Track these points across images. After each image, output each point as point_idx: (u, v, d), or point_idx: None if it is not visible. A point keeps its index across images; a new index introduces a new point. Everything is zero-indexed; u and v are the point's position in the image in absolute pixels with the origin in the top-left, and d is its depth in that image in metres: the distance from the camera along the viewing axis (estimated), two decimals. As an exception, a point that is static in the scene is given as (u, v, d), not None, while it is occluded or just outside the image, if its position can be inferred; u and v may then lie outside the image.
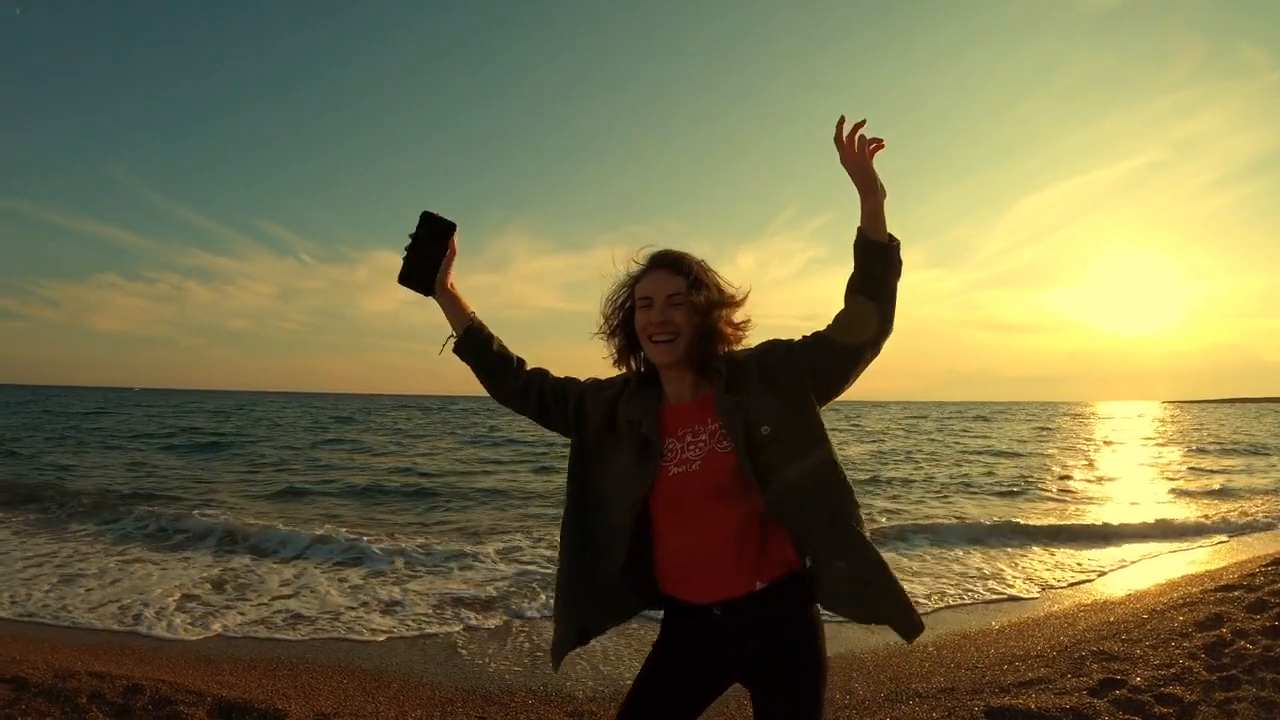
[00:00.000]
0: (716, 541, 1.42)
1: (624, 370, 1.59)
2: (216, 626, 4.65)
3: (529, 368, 1.65)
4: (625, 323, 1.53)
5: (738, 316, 1.52)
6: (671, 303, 1.44)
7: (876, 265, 1.40)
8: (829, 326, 1.46)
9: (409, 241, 1.56)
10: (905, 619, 1.41)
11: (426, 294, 1.58)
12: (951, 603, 5.31)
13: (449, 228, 1.56)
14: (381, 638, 4.50)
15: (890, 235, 1.41)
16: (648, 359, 1.52)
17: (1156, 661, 3.53)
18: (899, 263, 1.41)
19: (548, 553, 6.73)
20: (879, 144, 1.39)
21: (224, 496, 10.72)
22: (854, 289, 1.42)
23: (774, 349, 1.49)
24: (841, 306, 1.45)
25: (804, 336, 1.49)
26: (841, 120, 1.38)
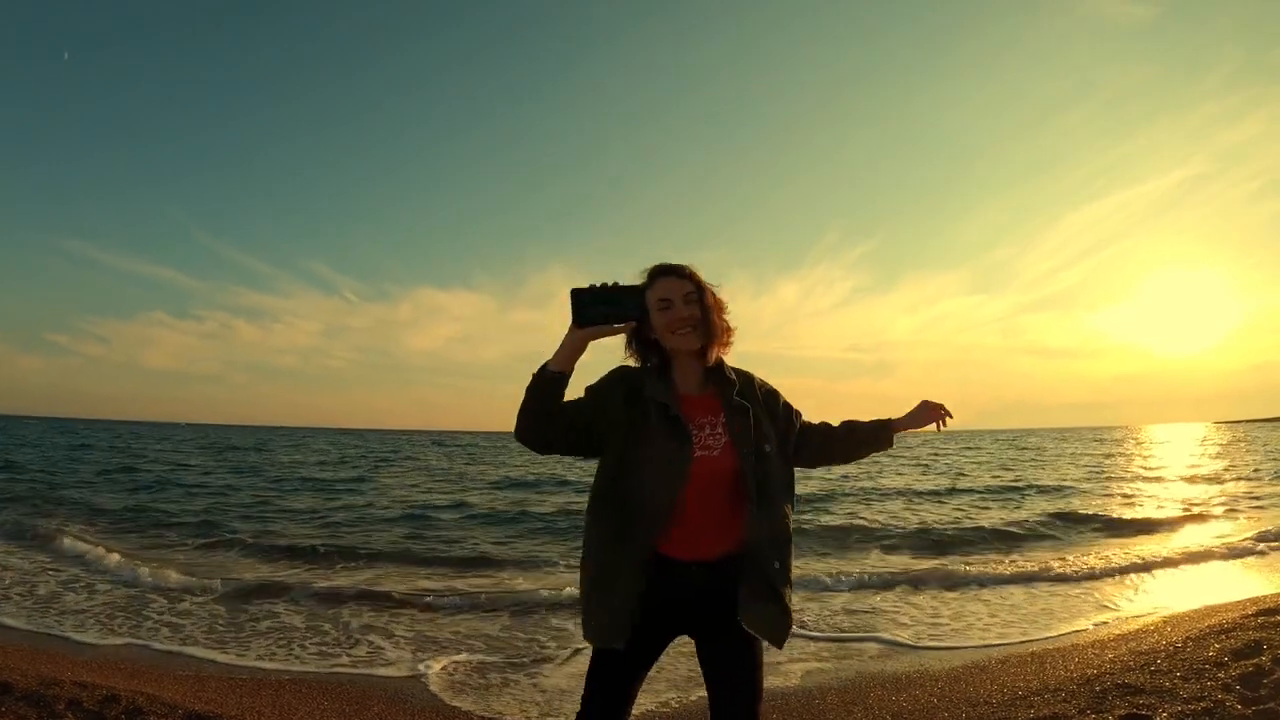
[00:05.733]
0: (714, 517, 1.66)
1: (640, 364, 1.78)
2: (221, 649, 4.67)
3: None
4: (639, 332, 1.74)
5: (728, 318, 1.77)
6: (688, 300, 1.70)
7: (867, 451, 1.90)
8: (810, 433, 1.87)
9: (615, 286, 1.62)
10: (777, 634, 1.69)
11: (578, 324, 1.61)
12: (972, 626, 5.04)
13: (638, 315, 1.65)
14: (380, 669, 4.39)
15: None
16: (661, 355, 1.75)
17: (1186, 694, 3.24)
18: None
19: (546, 593, 6.19)
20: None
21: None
22: (838, 448, 1.88)
23: (779, 396, 1.83)
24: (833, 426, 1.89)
25: (798, 415, 1.86)
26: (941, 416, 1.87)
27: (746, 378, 1.79)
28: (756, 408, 1.73)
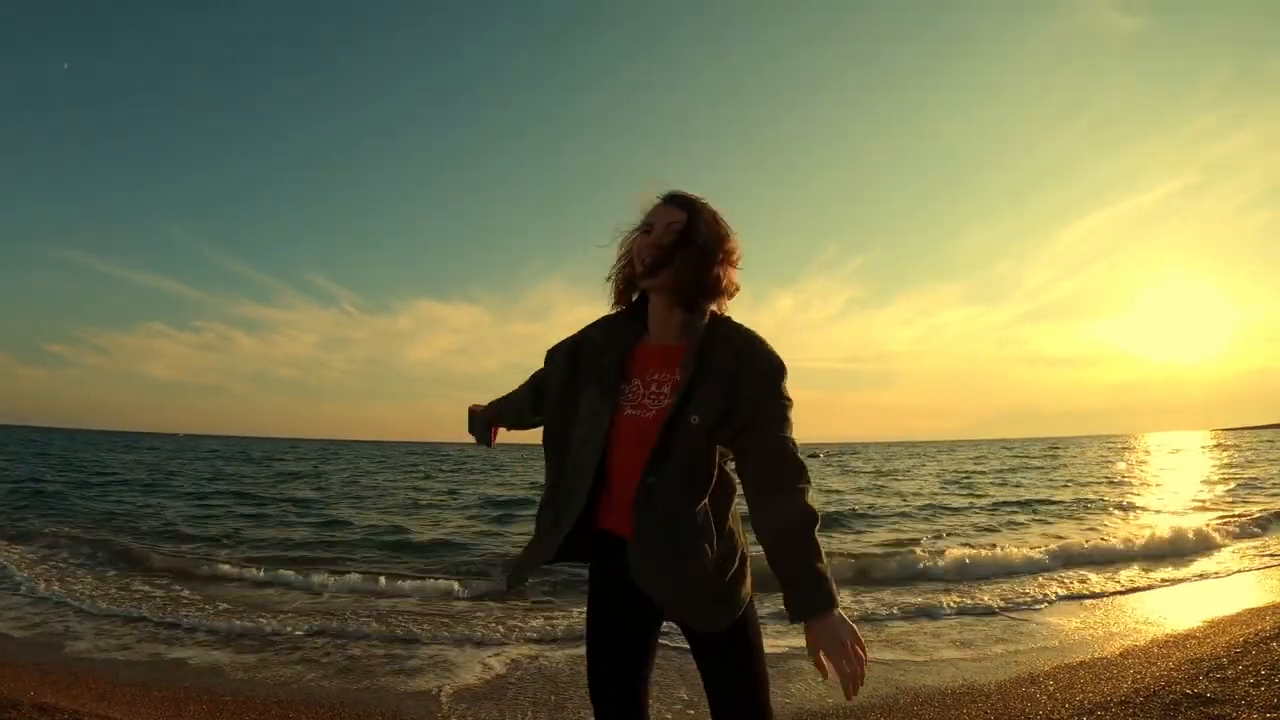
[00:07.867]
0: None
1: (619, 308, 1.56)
2: (198, 668, 4.36)
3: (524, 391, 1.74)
4: (630, 270, 1.51)
5: (731, 271, 1.46)
6: (670, 229, 1.42)
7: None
8: (751, 466, 1.37)
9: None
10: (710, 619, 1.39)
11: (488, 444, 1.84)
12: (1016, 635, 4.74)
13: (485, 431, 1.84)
14: (383, 682, 4.09)
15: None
16: (642, 295, 1.51)
17: (1263, 702, 2.97)
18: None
19: (561, 618, 6.21)
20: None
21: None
22: (762, 535, 1.34)
23: (767, 383, 1.38)
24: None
25: (771, 418, 1.36)
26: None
27: (729, 337, 1.42)
28: (706, 372, 1.38)
